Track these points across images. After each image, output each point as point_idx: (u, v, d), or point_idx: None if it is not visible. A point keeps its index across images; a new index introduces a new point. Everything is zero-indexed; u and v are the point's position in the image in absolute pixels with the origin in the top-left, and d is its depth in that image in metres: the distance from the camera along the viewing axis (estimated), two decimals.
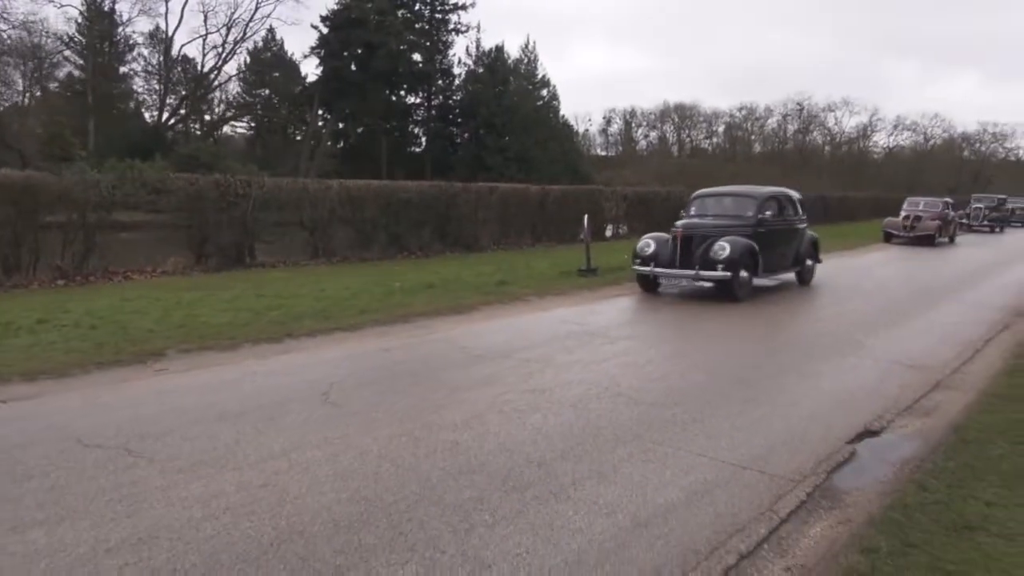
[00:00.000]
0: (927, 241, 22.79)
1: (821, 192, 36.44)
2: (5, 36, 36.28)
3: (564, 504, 3.72)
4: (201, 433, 4.58)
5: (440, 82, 48.62)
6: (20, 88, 40.82)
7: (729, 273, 10.25)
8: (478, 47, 48.90)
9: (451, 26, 48.38)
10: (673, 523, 3.56)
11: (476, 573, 3.06)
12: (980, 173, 69.25)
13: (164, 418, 4.84)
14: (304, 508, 3.60)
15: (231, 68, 48.11)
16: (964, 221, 29.97)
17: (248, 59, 47.57)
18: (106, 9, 41.70)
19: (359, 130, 46.73)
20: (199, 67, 45.99)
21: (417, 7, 47.30)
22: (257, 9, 44.08)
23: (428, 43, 47.21)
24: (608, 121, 76.13)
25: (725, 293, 10.44)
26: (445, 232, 17.61)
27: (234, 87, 48.97)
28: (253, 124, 50.10)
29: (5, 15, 35.62)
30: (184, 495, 3.67)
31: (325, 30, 44.59)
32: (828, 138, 73.85)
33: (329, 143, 47.02)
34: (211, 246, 13.60)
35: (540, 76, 50.50)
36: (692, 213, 11.95)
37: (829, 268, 14.20)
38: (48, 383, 5.60)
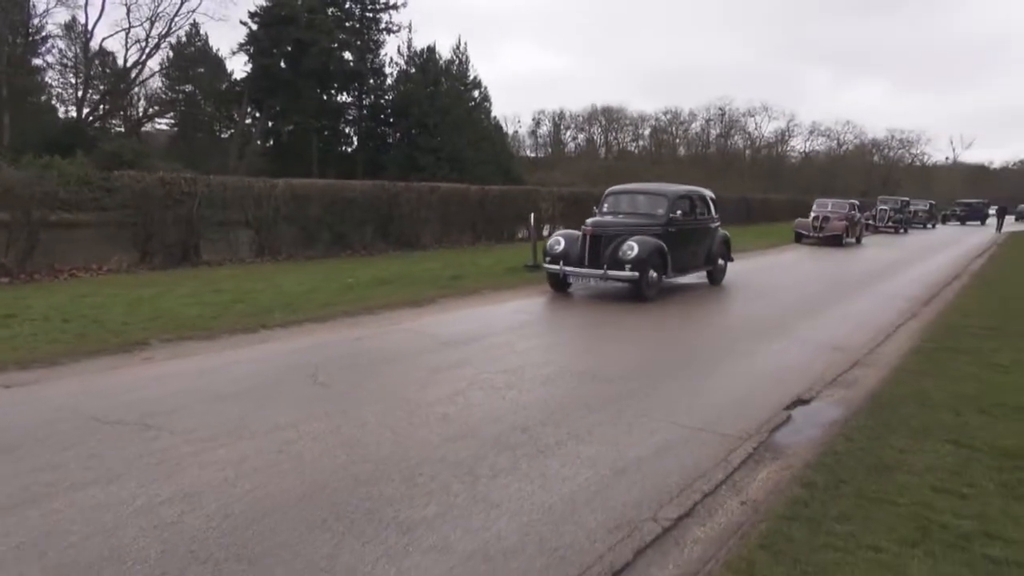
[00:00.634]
0: (835, 241, 23.80)
1: (744, 194, 38.20)
2: None
3: (552, 459, 4.29)
4: (207, 410, 4.94)
5: (372, 81, 48.45)
6: None
7: (637, 273, 10.21)
8: (410, 47, 49.01)
9: (382, 25, 48.31)
10: (646, 471, 4.18)
11: (489, 511, 3.59)
12: (889, 177, 73.71)
13: (167, 399, 5.16)
14: (323, 468, 4.04)
15: (154, 63, 46.70)
16: (870, 222, 31.38)
17: (171, 54, 46.34)
18: None
19: (289, 129, 46.04)
20: (122, 62, 44.50)
21: (348, 5, 47.00)
22: (183, 3, 42.97)
23: (359, 42, 47.01)
24: (537, 123, 77.38)
25: (633, 293, 10.50)
26: (387, 231, 17.91)
27: (156, 83, 47.62)
28: (177, 121, 48.78)
29: None
30: (214, 459, 4.06)
31: (254, 27, 43.90)
32: (749, 142, 77.23)
33: (259, 142, 46.32)
34: (156, 244, 13.54)
35: (472, 77, 50.83)
36: (605, 210, 11.92)
37: (749, 265, 15.22)
38: (42, 371, 5.79)
